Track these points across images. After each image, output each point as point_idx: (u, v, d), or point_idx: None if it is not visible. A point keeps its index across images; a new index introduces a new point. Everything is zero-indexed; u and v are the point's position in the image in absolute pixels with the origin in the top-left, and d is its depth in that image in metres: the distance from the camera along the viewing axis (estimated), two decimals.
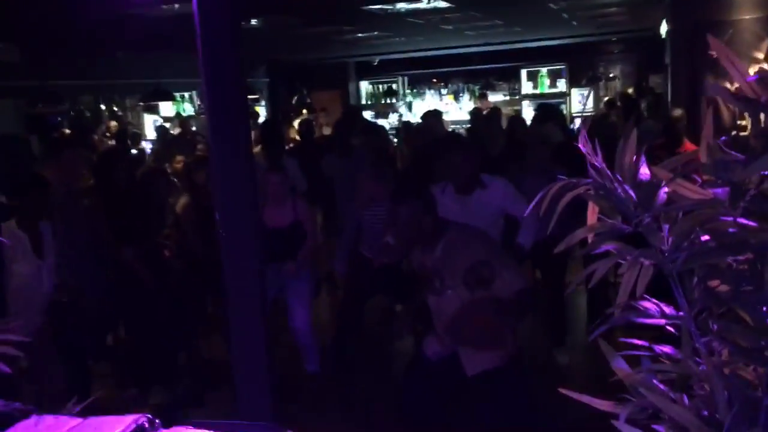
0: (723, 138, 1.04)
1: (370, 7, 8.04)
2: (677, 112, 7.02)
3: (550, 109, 9.54)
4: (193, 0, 2.37)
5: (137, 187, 5.43)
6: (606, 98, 12.83)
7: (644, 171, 1.20)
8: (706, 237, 1.15)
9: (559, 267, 5.35)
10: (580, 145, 1.29)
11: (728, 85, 7.10)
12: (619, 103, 11.56)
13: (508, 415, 3.34)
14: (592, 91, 14.53)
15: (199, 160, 5.94)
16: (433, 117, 9.32)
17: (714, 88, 1.40)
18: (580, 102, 14.48)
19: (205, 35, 2.37)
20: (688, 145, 6.23)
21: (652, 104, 10.98)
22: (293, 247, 5.02)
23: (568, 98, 14.61)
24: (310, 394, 5.12)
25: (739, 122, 7.23)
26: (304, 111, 13.71)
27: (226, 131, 2.63)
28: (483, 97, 14.25)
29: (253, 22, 8.49)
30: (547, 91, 14.94)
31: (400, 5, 8.06)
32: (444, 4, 8.19)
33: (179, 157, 7.70)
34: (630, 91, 13.02)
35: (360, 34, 10.86)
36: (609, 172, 1.17)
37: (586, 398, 1.17)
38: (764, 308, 1.01)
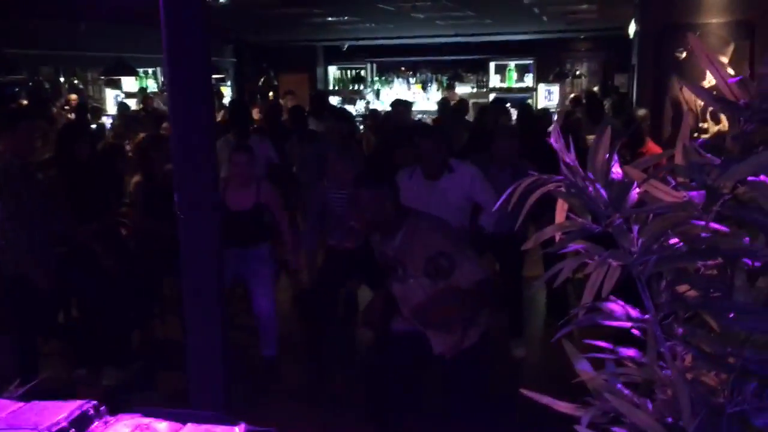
0: (700, 141, 1.02)
1: None
2: (641, 111, 7.09)
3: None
4: None
5: (97, 163, 5.28)
6: (572, 95, 12.93)
7: (616, 170, 1.17)
8: (675, 239, 1.13)
9: (518, 260, 5.35)
10: (552, 141, 1.26)
11: None
12: (584, 101, 11.66)
13: (467, 398, 3.42)
14: (559, 87, 14.66)
15: (155, 139, 5.79)
16: (402, 106, 9.27)
17: (695, 90, 1.39)
18: (546, 98, 14.60)
19: (168, 9, 2.29)
20: (651, 145, 6.30)
21: (616, 103, 11.10)
22: (255, 230, 4.92)
23: (534, 93, 14.70)
24: (265, 378, 5.06)
25: (701, 125, 7.35)
26: (271, 93, 13.54)
27: (188, 110, 2.56)
28: (451, 87, 14.25)
29: (222, 0, 8.34)
30: (514, 85, 15.02)
31: None
32: None
33: (141, 135, 7.53)
34: (595, 89, 13.15)
35: (330, 18, 10.75)
36: (581, 170, 1.14)
37: (546, 399, 1.14)
38: (731, 315, 0.99)
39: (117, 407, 1.52)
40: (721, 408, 1.01)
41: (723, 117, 7.27)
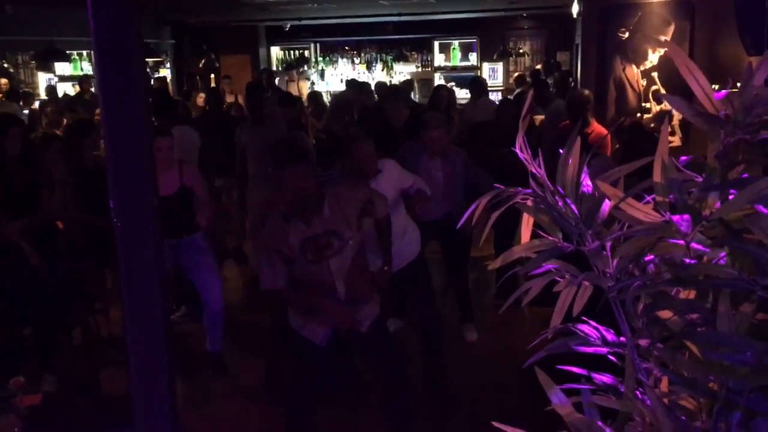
0: (682, 159, 0.95)
1: None
2: (585, 92, 7.11)
3: (482, 84, 9.53)
4: None
5: (30, 155, 4.99)
6: (516, 74, 12.96)
7: (587, 183, 1.10)
8: (649, 257, 1.07)
9: (461, 243, 5.32)
10: (517, 150, 1.18)
11: (635, 69, 7.24)
12: (529, 79, 11.70)
13: (399, 357, 3.71)
14: (503, 65, 14.69)
15: (85, 123, 5.53)
16: (354, 87, 9.19)
17: (672, 102, 1.33)
18: (490, 77, 14.62)
19: None
20: (596, 126, 6.32)
21: (558, 80, 11.16)
22: (185, 216, 4.75)
23: (479, 72, 14.71)
24: (211, 376, 4.94)
25: (643, 105, 7.43)
26: (212, 76, 13.20)
27: (120, 97, 2.38)
28: (388, 68, 14.12)
29: None
30: (458, 63, 14.99)
31: None
32: None
33: (68, 120, 7.24)
34: (538, 66, 13.21)
35: None
36: (550, 184, 1.07)
37: None
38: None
39: (58, 416, 1.39)
40: None
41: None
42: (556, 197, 1.08)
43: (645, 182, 0.99)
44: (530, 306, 1.19)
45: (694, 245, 0.94)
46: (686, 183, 0.93)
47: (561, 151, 1.13)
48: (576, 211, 1.06)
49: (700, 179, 0.94)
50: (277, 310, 4.26)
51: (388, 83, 13.73)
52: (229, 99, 11.00)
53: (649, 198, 1.04)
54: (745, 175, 0.92)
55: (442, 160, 4.91)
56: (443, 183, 4.93)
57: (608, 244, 1.08)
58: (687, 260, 0.92)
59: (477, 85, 9.39)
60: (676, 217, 0.91)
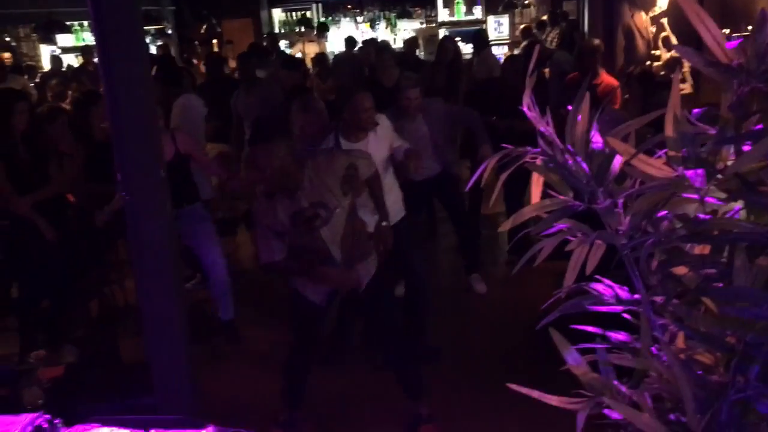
0: (696, 110, 0.92)
1: None
2: (594, 41, 6.98)
3: (482, 36, 9.38)
4: None
5: (35, 129, 4.98)
6: (522, 26, 12.75)
7: (597, 140, 1.08)
8: (662, 213, 1.05)
9: (459, 197, 5.37)
10: (524, 109, 1.16)
11: (643, 16, 7.09)
12: (535, 31, 11.52)
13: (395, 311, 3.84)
14: (508, 17, 14.45)
15: (93, 95, 5.51)
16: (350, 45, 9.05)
17: (683, 52, 1.28)
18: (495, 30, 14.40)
19: None
20: (605, 76, 6.22)
21: (565, 31, 10.97)
22: (182, 185, 4.69)
23: (484, 25, 14.47)
24: (225, 344, 4.97)
25: (653, 52, 7.30)
26: (214, 41, 13.06)
27: (122, 67, 2.36)
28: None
29: None
30: (463, 17, 14.76)
31: None
32: None
33: (75, 93, 7.20)
34: (544, 17, 12.97)
35: None
36: (560, 143, 1.04)
37: (536, 394, 1.07)
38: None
39: (70, 422, 1.41)
40: (722, 393, 0.95)
41: (674, 43, 7.22)
42: (566, 155, 1.05)
43: (656, 137, 0.96)
44: (543, 261, 1.18)
45: (708, 199, 0.92)
46: (699, 136, 0.91)
47: (569, 107, 1.11)
48: (586, 169, 1.04)
49: (714, 131, 0.91)
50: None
51: (393, 41, 13.56)
52: (233, 65, 10.90)
53: (661, 152, 1.01)
54: (760, 126, 0.90)
55: (424, 116, 4.89)
56: (430, 138, 4.93)
57: (620, 202, 1.06)
58: (701, 215, 0.90)
59: (478, 38, 9.26)
60: (689, 172, 0.89)
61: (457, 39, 11.93)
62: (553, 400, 1.06)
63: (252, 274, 6.21)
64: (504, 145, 1.14)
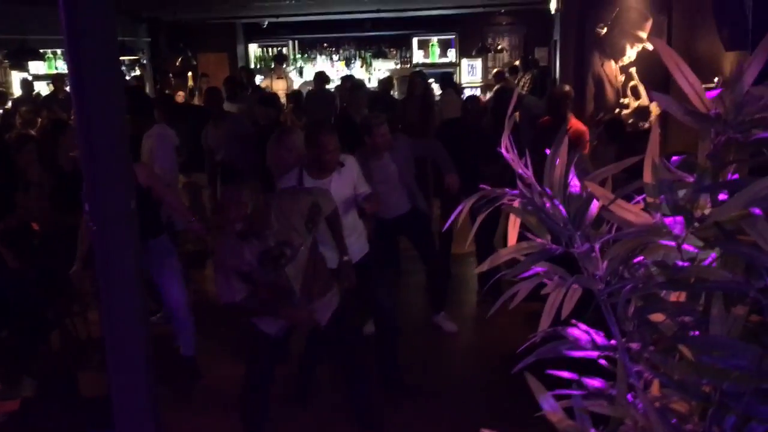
0: (674, 157, 0.93)
1: None
2: (565, 87, 7.11)
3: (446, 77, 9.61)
4: None
5: (2, 156, 4.91)
6: (495, 70, 12.98)
7: (575, 183, 1.08)
8: (639, 258, 1.05)
9: (428, 235, 5.37)
10: (503, 151, 1.16)
11: (613, 65, 7.25)
12: (507, 75, 11.73)
13: (359, 345, 3.89)
14: (481, 61, 14.72)
15: (61, 124, 5.45)
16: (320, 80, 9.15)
17: (663, 101, 1.29)
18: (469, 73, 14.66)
19: None
20: (574, 122, 6.33)
21: (536, 77, 11.20)
22: (145, 218, 4.62)
23: (458, 68, 14.72)
24: (186, 380, 4.86)
25: (621, 100, 7.46)
26: (190, 74, 13.06)
27: (93, 97, 2.33)
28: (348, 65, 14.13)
29: None
30: (437, 60, 14.99)
31: None
32: None
33: (44, 120, 7.13)
34: (516, 63, 13.23)
35: None
36: (538, 186, 1.04)
37: None
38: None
39: (37, 421, 1.34)
40: None
41: (642, 92, 7.40)
42: (544, 198, 1.05)
43: (634, 183, 0.97)
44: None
45: (685, 246, 0.92)
46: (677, 184, 0.91)
47: (545, 150, 1.12)
48: (564, 213, 1.04)
49: (691, 179, 0.92)
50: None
51: (367, 80, 13.69)
52: None
53: (638, 198, 1.02)
54: (736, 176, 0.91)
55: (392, 154, 4.94)
56: (399, 176, 4.96)
57: (596, 246, 1.06)
58: (680, 262, 0.90)
59: (442, 79, 9.53)
60: (668, 219, 0.90)
61: (431, 80, 12.11)
62: None
63: (220, 307, 6.12)
64: (482, 186, 1.13)
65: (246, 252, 3.38)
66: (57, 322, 5.21)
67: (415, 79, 8.63)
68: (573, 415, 1.08)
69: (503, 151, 1.16)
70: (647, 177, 0.94)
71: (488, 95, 10.32)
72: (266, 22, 14.03)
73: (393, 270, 6.33)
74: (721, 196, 0.94)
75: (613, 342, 1.04)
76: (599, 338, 1.04)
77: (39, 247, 5.07)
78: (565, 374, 1.07)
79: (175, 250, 4.97)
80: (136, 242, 2.51)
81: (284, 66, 14.16)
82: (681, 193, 0.93)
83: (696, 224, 0.90)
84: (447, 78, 9.94)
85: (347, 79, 10.27)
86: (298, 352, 4.57)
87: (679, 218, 0.88)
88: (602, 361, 1.05)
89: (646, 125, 7.05)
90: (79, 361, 5.06)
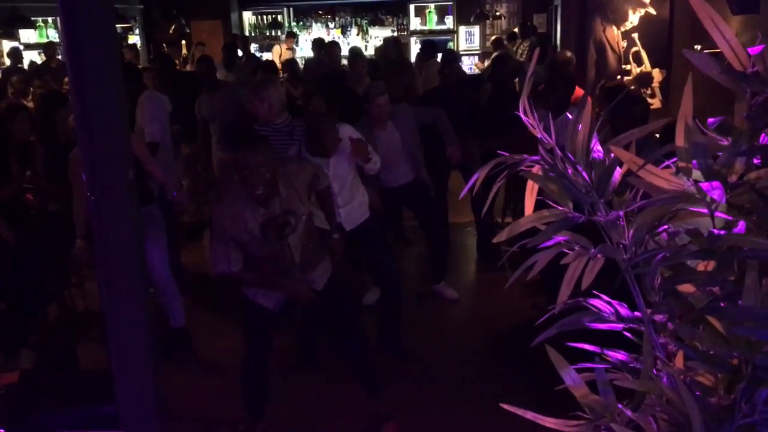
0: (711, 120, 0.88)
1: None
2: (567, 53, 7.00)
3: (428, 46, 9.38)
4: None
5: None
6: (493, 37, 12.81)
7: (597, 149, 1.03)
8: (663, 227, 1.00)
9: (429, 205, 5.34)
10: (521, 114, 1.11)
11: (615, 30, 7.14)
12: (506, 42, 11.58)
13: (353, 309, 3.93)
14: (479, 28, 14.53)
15: (57, 95, 5.35)
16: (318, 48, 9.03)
17: (697, 59, 1.24)
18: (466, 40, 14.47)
19: None
20: (577, 90, 6.24)
21: (534, 44, 11.04)
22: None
23: (455, 35, 14.53)
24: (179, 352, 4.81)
25: (624, 66, 7.36)
26: (183, 42, 12.87)
27: (89, 65, 2.26)
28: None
29: None
30: (435, 27, 14.79)
31: None
32: None
33: (39, 90, 7.02)
34: (515, 30, 13.07)
35: None
36: (560, 152, 0.99)
37: (530, 415, 1.02)
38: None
39: (35, 393, 1.30)
40: (728, 418, 0.90)
41: (645, 58, 7.30)
42: (566, 164, 1.00)
43: (664, 147, 0.92)
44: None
45: (718, 214, 0.87)
46: (712, 147, 0.86)
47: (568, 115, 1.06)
48: (587, 179, 0.99)
49: (725, 143, 0.87)
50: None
51: (364, 47, 13.50)
52: None
53: (666, 163, 0.97)
54: None
55: (393, 122, 4.91)
56: (402, 144, 4.93)
57: (621, 214, 1.01)
58: (715, 230, 0.85)
59: (425, 49, 9.29)
60: (704, 185, 0.85)
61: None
62: (548, 422, 1.00)
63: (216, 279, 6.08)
64: (500, 152, 1.08)
65: (249, 220, 3.27)
66: (54, 294, 5.17)
67: (387, 44, 8.61)
68: (593, 389, 1.04)
69: (521, 114, 1.10)
70: (680, 140, 0.89)
71: (486, 63, 10.19)
72: None
73: (394, 237, 6.33)
74: (755, 161, 0.89)
75: (637, 314, 1.00)
76: (623, 310, 1.00)
77: (35, 218, 5.01)
78: (589, 347, 1.03)
79: (164, 220, 4.83)
80: (135, 212, 2.46)
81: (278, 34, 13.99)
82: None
83: (729, 191, 0.85)
84: (428, 46, 9.24)
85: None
86: (298, 322, 4.55)
87: (717, 183, 0.83)
88: (627, 334, 1.01)
89: (648, 92, 6.97)
90: (76, 333, 5.02)
